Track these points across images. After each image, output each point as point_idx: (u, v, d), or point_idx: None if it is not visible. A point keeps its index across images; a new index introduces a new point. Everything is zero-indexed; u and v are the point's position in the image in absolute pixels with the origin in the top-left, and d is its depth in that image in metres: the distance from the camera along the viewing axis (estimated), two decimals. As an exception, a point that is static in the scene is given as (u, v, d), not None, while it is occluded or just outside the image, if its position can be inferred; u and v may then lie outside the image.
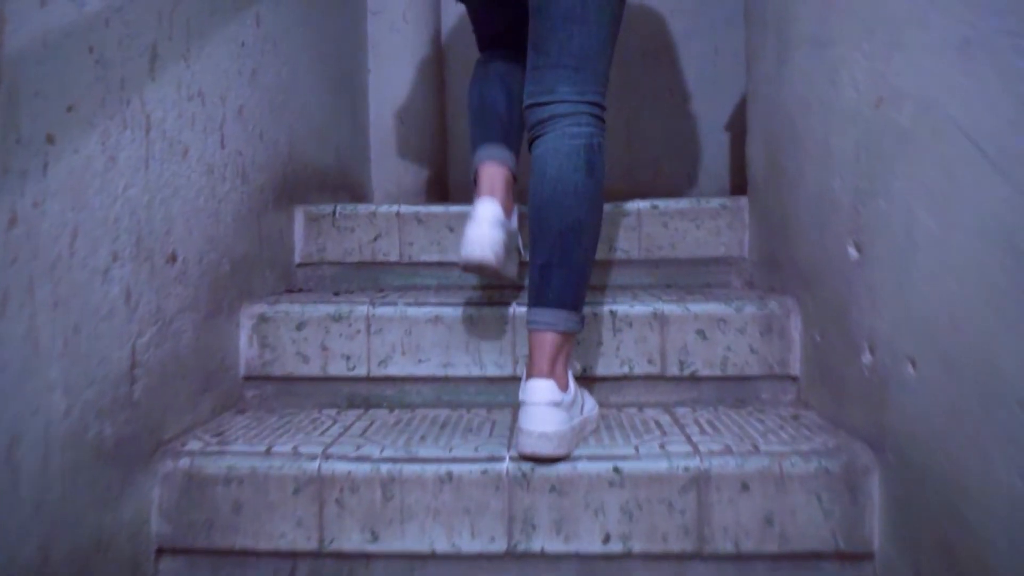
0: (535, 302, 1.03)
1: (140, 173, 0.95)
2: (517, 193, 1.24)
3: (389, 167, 2.18)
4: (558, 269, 1.02)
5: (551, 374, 0.99)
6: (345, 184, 1.92)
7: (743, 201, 1.49)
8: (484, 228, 1.11)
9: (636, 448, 1.00)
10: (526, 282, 1.32)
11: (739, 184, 2.28)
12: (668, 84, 2.31)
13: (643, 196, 2.37)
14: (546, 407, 0.96)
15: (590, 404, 1.11)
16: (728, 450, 0.98)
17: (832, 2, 1.03)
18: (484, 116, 1.26)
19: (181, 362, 1.06)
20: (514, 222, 1.24)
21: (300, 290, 1.53)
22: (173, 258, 1.04)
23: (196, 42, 1.11)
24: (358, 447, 1.02)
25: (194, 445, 1.02)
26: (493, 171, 1.19)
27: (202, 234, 1.12)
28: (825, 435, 1.02)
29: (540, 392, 0.97)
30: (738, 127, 2.29)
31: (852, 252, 0.99)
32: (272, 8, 1.41)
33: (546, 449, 0.96)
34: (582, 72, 1.06)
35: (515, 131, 1.26)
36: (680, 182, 2.32)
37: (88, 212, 0.85)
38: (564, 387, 1.00)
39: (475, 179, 1.22)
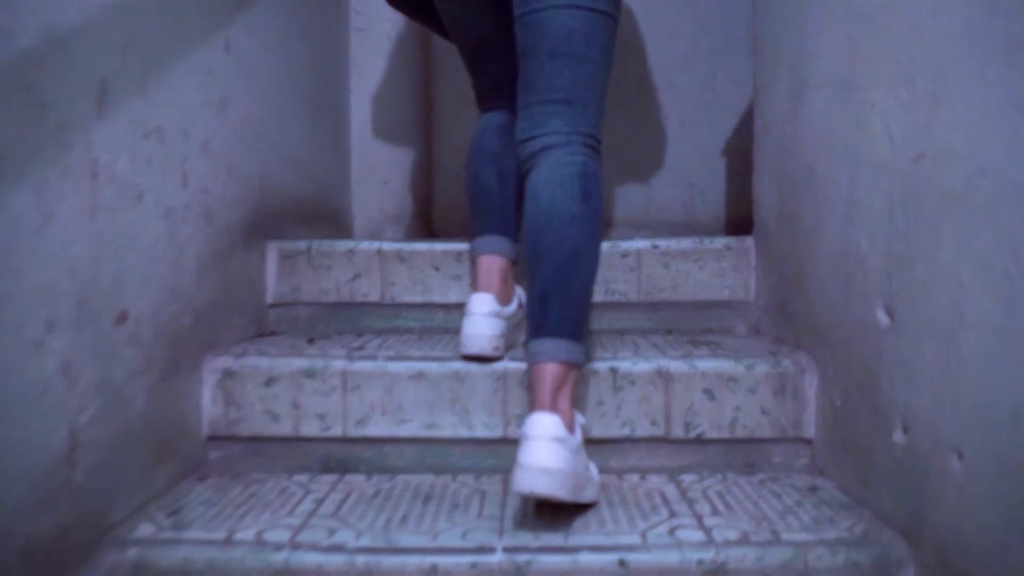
0: (534, 333, 0.98)
1: (84, 226, 0.84)
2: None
3: (371, 193, 2.07)
4: (557, 298, 0.97)
5: (554, 408, 0.92)
6: (324, 214, 1.81)
7: (749, 241, 1.40)
8: (481, 323, 1.11)
9: (643, 535, 0.89)
10: (520, 339, 1.24)
11: (737, 214, 2.20)
12: (664, 109, 2.22)
13: (636, 225, 2.32)
14: (549, 442, 0.88)
15: (593, 469, 1.01)
16: (745, 538, 0.87)
17: (861, 43, 0.94)
18: (478, 201, 1.24)
19: (132, 433, 0.94)
20: (514, 306, 1.20)
21: (273, 333, 1.41)
22: (123, 318, 0.92)
23: (155, 73, 0.99)
24: (331, 532, 0.91)
25: (145, 530, 0.90)
26: (489, 264, 1.19)
27: (159, 286, 1.01)
28: (850, 517, 0.93)
29: (542, 426, 0.89)
30: (736, 154, 2.21)
31: (882, 317, 0.89)
32: (245, 32, 1.29)
33: (547, 488, 0.85)
34: (574, 106, 1.02)
35: (510, 213, 1.23)
36: (675, 210, 2.23)
37: (17, 279, 0.73)
38: (569, 428, 0.93)
39: (472, 265, 1.22)
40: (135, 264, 0.94)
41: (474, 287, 1.19)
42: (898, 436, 0.86)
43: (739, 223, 2.20)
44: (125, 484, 0.93)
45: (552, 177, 1.00)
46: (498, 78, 1.26)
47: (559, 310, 0.97)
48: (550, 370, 0.94)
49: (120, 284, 0.91)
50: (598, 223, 1.01)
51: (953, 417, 0.75)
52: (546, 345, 0.96)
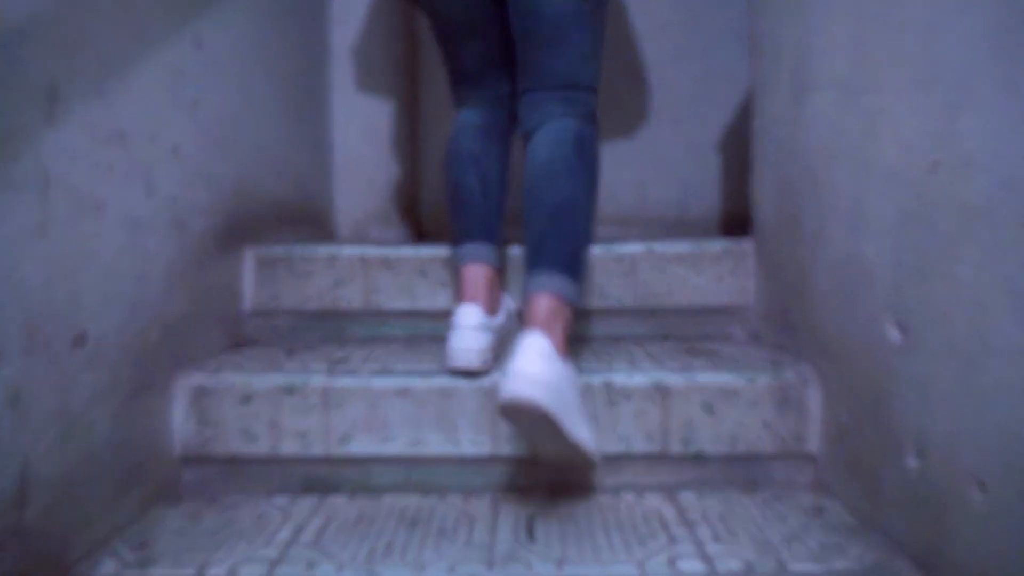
0: (529, 269, 1.01)
1: (34, 244, 0.77)
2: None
3: (355, 192, 2.00)
4: (552, 241, 1.01)
5: (544, 329, 0.93)
6: (306, 215, 1.74)
7: (747, 245, 1.34)
8: (468, 337, 1.06)
9: (641, 565, 0.84)
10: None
11: (731, 211, 2.15)
12: (657, 104, 2.16)
13: (629, 223, 2.26)
14: (537, 355, 0.87)
15: (589, 431, 0.96)
16: (750, 570, 0.83)
17: (870, 43, 0.88)
18: (460, 207, 1.18)
19: (94, 462, 0.88)
20: (502, 316, 1.15)
21: (251, 343, 1.35)
22: (81, 340, 0.85)
23: (116, 74, 0.92)
24: (310, 565, 0.85)
25: (107, 568, 0.84)
26: (475, 273, 1.13)
27: (123, 303, 0.94)
28: (860, 543, 0.88)
29: (533, 339, 0.89)
30: (731, 150, 2.15)
31: (893, 334, 0.84)
32: (217, 27, 1.22)
33: (532, 394, 0.83)
34: (570, 89, 1.10)
35: (494, 218, 1.17)
36: (668, 208, 2.18)
37: (-45, 306, 0.67)
38: (562, 356, 0.93)
39: (457, 275, 1.17)
40: (94, 281, 0.88)
41: (460, 298, 1.13)
42: (911, 460, 0.81)
43: (733, 221, 2.15)
44: (86, 517, 0.87)
45: (549, 139, 1.07)
46: (473, 63, 1.20)
47: (554, 249, 1.00)
48: (543, 302, 0.96)
49: (77, 304, 0.84)
50: (593, 178, 1.07)
51: (974, 447, 0.71)
52: (540, 278, 0.98)
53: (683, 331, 1.35)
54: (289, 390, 1.08)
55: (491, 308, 1.11)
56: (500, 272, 1.18)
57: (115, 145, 0.92)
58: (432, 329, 1.36)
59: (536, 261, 1.00)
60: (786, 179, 1.17)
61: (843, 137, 0.96)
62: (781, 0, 1.17)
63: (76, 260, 0.84)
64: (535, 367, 0.86)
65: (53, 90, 0.79)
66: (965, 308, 0.71)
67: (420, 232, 2.14)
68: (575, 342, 1.32)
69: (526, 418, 0.86)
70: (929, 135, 0.77)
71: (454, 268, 1.21)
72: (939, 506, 0.76)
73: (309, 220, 1.77)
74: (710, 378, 1.07)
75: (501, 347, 1.15)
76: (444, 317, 1.34)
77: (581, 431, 0.92)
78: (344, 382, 1.08)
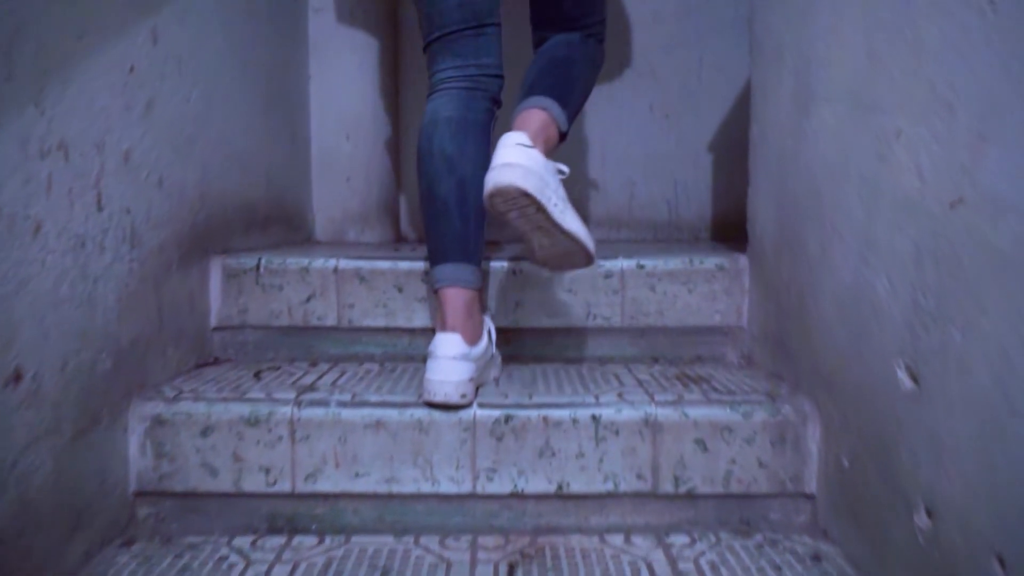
0: (524, 96, 1.07)
1: (-46, 278, 0.68)
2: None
3: (333, 189, 1.90)
4: (547, 79, 1.09)
5: (523, 128, 0.99)
6: (279, 215, 1.65)
7: (743, 261, 1.28)
8: (447, 368, 0.98)
9: (629, 627, 0.78)
10: (491, 376, 1.11)
11: (723, 212, 2.08)
12: (648, 98, 2.08)
13: (616, 224, 2.18)
14: (515, 147, 0.94)
15: (577, 220, 1.01)
16: (746, 633, 0.77)
17: (884, 56, 0.81)
18: (435, 220, 1.07)
19: (34, 508, 0.80)
20: (483, 343, 1.06)
21: (216, 361, 1.27)
22: (17, 377, 0.77)
23: (55, 78, 0.83)
24: (269, 626, 0.78)
25: (45, 631, 0.77)
26: (454, 298, 1.04)
27: (67, 331, 0.86)
28: (861, 599, 0.82)
29: (513, 137, 0.96)
30: (724, 149, 2.08)
31: (905, 380, 0.78)
32: (175, 18, 1.12)
33: (511, 178, 0.90)
34: (585, 20, 1.18)
35: (472, 231, 1.06)
36: (658, 208, 2.10)
37: None
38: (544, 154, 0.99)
39: (434, 295, 1.08)
40: (30, 312, 0.79)
41: (438, 324, 1.05)
42: (921, 519, 0.75)
43: (725, 222, 2.08)
44: (26, 567, 0.79)
45: (559, 40, 1.17)
46: (452, 14, 1.06)
47: (550, 82, 1.08)
48: (531, 114, 1.02)
49: (10, 339, 0.76)
50: (595, 60, 1.19)
51: (993, 515, 0.65)
52: (531, 99, 1.05)
53: (674, 352, 1.29)
54: (253, 422, 1.00)
55: (471, 335, 1.02)
56: (480, 292, 1.10)
57: (54, 157, 0.83)
58: (410, 347, 1.28)
59: (530, 91, 1.07)
60: (787, 194, 1.10)
61: (853, 156, 0.89)
62: None
63: (7, 289, 0.75)
64: (512, 156, 0.93)
65: (-26, 103, 0.70)
66: (988, 361, 0.65)
67: (398, 234, 2.06)
68: (562, 364, 1.25)
69: (511, 204, 0.93)
70: (950, 167, 0.70)
71: (431, 289, 1.12)
72: (950, 573, 0.70)
73: (283, 222, 1.68)
74: (703, 412, 1.00)
75: (482, 375, 1.07)
76: (423, 334, 1.27)
77: (570, 221, 0.98)
78: (312, 413, 1.00)
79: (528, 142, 0.95)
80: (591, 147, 2.09)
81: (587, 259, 1.03)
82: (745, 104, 1.31)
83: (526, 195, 0.91)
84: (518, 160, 0.92)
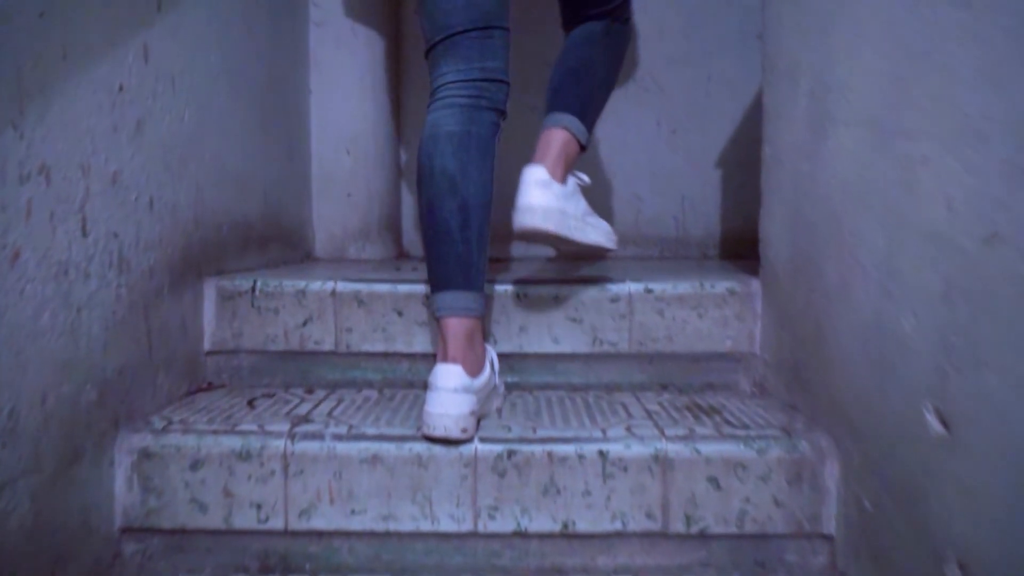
0: (546, 113, 1.14)
1: (-78, 314, 0.64)
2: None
3: (333, 205, 1.87)
4: (569, 94, 1.14)
5: (543, 161, 1.08)
6: (277, 233, 1.61)
7: (755, 285, 1.23)
8: (447, 401, 0.94)
9: None
10: (494, 406, 1.07)
11: (732, 229, 2.04)
12: (655, 114, 2.04)
13: (623, 240, 2.11)
14: (535, 185, 1.05)
15: (602, 223, 1.18)
16: None
17: (909, 81, 0.76)
18: (436, 243, 1.02)
19: (11, 550, 0.76)
20: (485, 373, 1.01)
21: (210, 386, 1.22)
22: (-9, 417, 0.73)
23: (37, 100, 0.79)
24: None
25: None
26: (454, 328, 0.99)
27: (47, 363, 0.82)
28: (886, 655, 0.77)
29: (532, 175, 1.06)
30: (732, 165, 2.04)
31: (934, 424, 0.73)
32: (167, 34, 1.09)
33: (530, 222, 1.05)
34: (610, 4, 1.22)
35: (475, 255, 1.02)
36: (666, 225, 2.06)
37: None
38: (561, 180, 1.09)
39: (436, 322, 1.04)
40: (6, 344, 0.75)
41: (439, 354, 1.01)
42: (953, 573, 0.70)
43: (734, 239, 2.04)
44: (-1, 619, 0.75)
45: (580, 36, 1.21)
46: (458, 19, 1.01)
47: (567, 99, 1.13)
48: (554, 135, 1.10)
49: (-16, 376, 0.72)
50: (618, 50, 1.23)
51: (1036, 577, 0.60)
52: (553, 117, 1.12)
53: (684, 379, 1.24)
54: (244, 456, 0.95)
55: (473, 366, 0.98)
56: (482, 319, 1.06)
57: (35, 182, 0.79)
58: (409, 372, 1.24)
59: (552, 106, 1.14)
60: (802, 219, 1.05)
61: (875, 183, 0.85)
62: (800, 13, 1.05)
63: (-19, 326, 0.71)
64: (535, 198, 1.04)
65: (-54, 129, 0.66)
66: (1028, 411, 0.60)
67: (401, 250, 2.02)
68: (568, 392, 1.21)
69: (539, 239, 1.09)
70: (983, 200, 0.65)
71: (431, 315, 1.08)
72: (989, 636, 0.65)
73: (281, 240, 1.64)
74: (716, 448, 0.95)
75: (484, 406, 1.03)
76: (423, 359, 1.22)
77: (590, 235, 1.12)
78: (306, 447, 0.96)
79: (547, 176, 1.05)
80: (597, 162, 2.05)
81: (607, 252, 1.19)
82: (754, 120, 1.27)
83: (553, 236, 1.06)
84: (539, 202, 1.04)
